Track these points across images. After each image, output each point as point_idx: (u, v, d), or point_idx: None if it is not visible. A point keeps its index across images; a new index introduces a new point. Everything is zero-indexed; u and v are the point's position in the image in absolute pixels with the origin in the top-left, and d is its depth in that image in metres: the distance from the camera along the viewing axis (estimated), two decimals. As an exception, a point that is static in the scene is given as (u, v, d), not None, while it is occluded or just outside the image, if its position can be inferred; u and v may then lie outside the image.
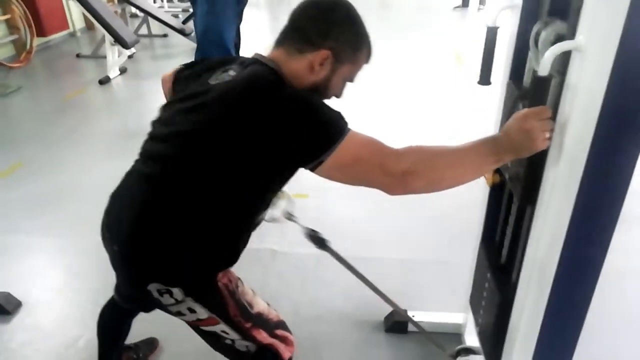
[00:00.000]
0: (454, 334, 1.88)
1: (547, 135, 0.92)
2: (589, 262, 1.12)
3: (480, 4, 7.84)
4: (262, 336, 1.23)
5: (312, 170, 1.00)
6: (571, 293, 1.17)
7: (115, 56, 4.89)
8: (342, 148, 0.96)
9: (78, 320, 1.99)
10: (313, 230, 1.43)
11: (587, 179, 0.97)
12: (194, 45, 6.17)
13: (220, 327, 1.17)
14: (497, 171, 1.33)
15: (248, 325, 1.20)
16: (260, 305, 1.26)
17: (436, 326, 1.88)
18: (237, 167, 1.03)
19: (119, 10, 6.32)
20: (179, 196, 1.06)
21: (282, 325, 1.32)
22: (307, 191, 2.74)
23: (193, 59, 3.46)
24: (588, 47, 0.85)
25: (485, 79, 1.33)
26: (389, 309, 1.97)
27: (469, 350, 1.62)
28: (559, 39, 0.98)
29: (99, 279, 2.20)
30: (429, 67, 5.20)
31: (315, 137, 0.98)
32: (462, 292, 2.01)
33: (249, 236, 1.17)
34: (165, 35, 6.64)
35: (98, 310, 2.01)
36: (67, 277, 2.26)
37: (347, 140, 0.97)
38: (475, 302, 1.58)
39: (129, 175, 1.18)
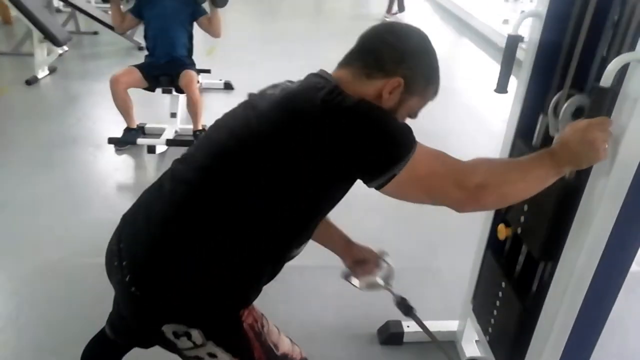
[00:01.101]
0: (449, 342, 1.87)
1: (606, 145, 0.92)
2: (620, 268, 1.14)
3: (398, 10, 7.82)
4: None
5: (381, 186, 0.91)
6: (601, 300, 1.18)
7: (44, 54, 4.44)
8: (416, 160, 0.89)
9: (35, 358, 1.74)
10: (403, 298, 1.43)
11: (634, 187, 0.99)
12: (129, 44, 5.88)
13: None
14: (508, 225, 1.36)
15: None
16: (285, 344, 1.14)
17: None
18: (285, 187, 0.93)
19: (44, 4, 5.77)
20: (210, 224, 0.95)
21: None
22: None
23: (142, 61, 3.29)
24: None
25: (502, 87, 1.33)
26: (381, 320, 1.94)
27: None
28: (579, 111, 1.08)
29: (57, 307, 1.95)
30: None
31: (388, 148, 0.90)
32: (451, 300, 2.02)
33: (280, 269, 1.06)
34: (95, 33, 6.17)
35: (57, 345, 1.79)
36: (16, 305, 1.97)
37: (419, 152, 0.90)
38: (482, 311, 1.57)
39: (149, 196, 1.04)
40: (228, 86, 4.45)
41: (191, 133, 3.34)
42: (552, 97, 1.19)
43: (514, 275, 1.38)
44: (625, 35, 1.00)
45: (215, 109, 3.89)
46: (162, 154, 3.28)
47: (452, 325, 1.88)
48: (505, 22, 7.00)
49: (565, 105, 1.10)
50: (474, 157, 0.96)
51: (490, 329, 1.50)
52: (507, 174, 0.95)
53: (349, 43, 1.07)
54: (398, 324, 1.89)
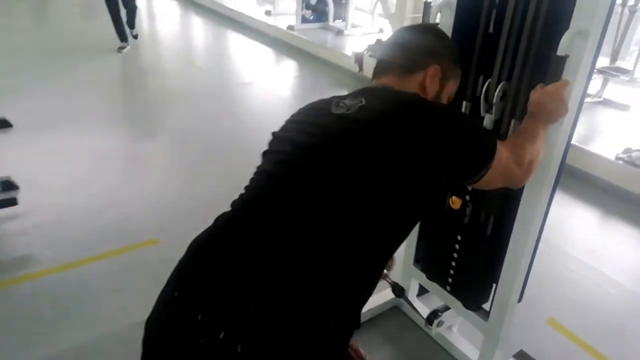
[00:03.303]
0: (393, 307, 2.05)
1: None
2: (554, 189, 1.45)
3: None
4: None
5: (472, 183, 1.00)
6: (542, 228, 1.49)
7: None
8: (497, 157, 0.99)
9: None
10: (396, 283, 1.57)
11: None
12: None
13: None
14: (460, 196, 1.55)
15: None
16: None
17: (380, 307, 2.01)
18: (399, 204, 0.91)
19: None
20: (329, 273, 0.87)
21: None
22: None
23: None
24: (588, 31, 1.13)
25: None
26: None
27: (437, 312, 1.82)
28: (505, 94, 1.35)
29: None
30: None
31: (482, 150, 0.98)
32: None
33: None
34: None
35: None
36: None
37: (498, 148, 1.00)
38: (436, 268, 1.77)
39: (242, 250, 0.87)
40: (4, 124, 3.59)
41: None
42: (472, 84, 1.42)
43: (463, 228, 1.60)
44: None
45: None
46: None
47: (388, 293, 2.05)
48: (268, 13, 7.45)
49: (497, 90, 1.33)
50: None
51: (450, 279, 1.71)
52: (535, 144, 1.12)
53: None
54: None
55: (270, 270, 0.84)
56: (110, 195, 2.80)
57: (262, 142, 1.05)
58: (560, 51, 1.14)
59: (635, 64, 4.58)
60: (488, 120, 1.38)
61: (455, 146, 0.93)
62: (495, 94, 1.34)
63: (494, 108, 1.36)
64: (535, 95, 1.18)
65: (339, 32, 6.37)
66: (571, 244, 2.64)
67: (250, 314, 0.82)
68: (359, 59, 5.00)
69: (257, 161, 1.03)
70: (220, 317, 0.82)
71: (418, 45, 1.08)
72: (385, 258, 0.97)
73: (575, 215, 2.99)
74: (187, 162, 3.36)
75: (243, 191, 0.99)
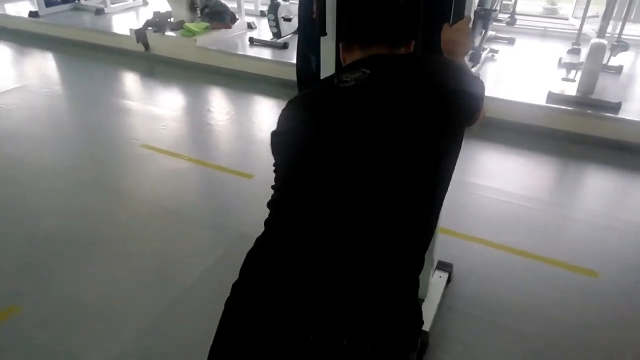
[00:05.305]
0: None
1: None
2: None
3: None
4: None
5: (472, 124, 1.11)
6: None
7: None
8: None
9: None
10: None
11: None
12: None
13: None
14: None
15: None
16: None
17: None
18: (443, 177, 1.00)
19: None
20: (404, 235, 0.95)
21: None
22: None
23: None
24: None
25: (324, 30, 1.50)
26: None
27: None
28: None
29: None
30: None
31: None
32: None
33: None
34: None
35: None
36: None
37: None
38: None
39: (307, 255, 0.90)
40: None
41: None
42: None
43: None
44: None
45: None
46: None
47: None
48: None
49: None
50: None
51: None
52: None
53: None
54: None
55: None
56: None
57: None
58: (464, -3, 1.28)
59: None
60: None
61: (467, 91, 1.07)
62: None
63: None
64: (447, 34, 1.30)
65: (99, 11, 5.59)
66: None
67: (352, 309, 0.86)
68: (141, 37, 4.53)
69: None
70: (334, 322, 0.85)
71: (401, 20, 1.10)
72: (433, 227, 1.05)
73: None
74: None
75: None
